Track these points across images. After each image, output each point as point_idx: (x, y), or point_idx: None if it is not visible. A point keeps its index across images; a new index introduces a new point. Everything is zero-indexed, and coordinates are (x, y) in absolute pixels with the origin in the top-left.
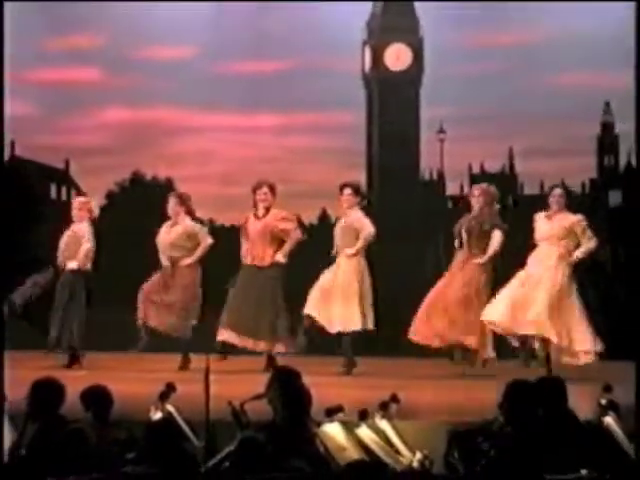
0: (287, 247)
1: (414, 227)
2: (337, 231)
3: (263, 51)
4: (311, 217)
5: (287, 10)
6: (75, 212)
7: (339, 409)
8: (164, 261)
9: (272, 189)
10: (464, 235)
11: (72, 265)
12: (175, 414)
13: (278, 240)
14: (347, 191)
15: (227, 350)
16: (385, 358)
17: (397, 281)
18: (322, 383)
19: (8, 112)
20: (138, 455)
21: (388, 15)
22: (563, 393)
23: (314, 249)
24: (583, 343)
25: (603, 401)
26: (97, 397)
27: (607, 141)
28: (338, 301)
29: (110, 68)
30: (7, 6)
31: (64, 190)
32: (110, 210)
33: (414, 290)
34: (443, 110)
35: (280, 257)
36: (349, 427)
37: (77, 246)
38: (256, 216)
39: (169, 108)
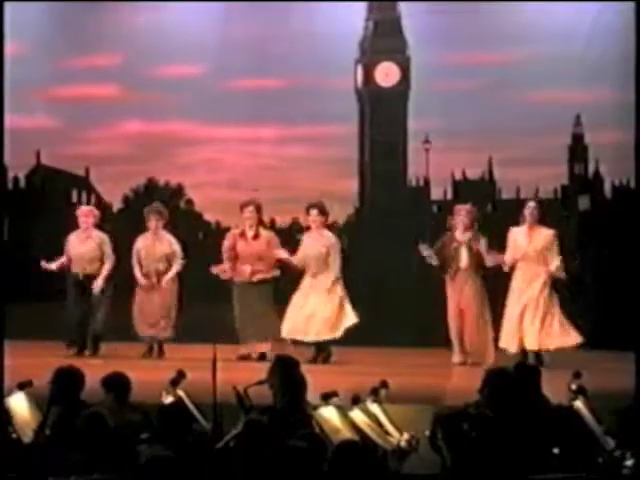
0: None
1: (402, 229)
2: (311, 253)
3: (265, 70)
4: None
5: (287, 32)
6: (83, 219)
7: (334, 394)
8: (152, 276)
9: (258, 208)
10: (465, 254)
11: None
12: (185, 398)
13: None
14: (314, 212)
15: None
16: (373, 348)
17: (386, 277)
18: (317, 370)
19: (34, 125)
20: (151, 436)
21: (378, 36)
22: (537, 379)
23: None
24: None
25: (573, 386)
26: (117, 381)
27: (577, 151)
28: (327, 313)
29: (126, 85)
30: (33, 31)
31: (84, 195)
32: (126, 213)
33: (402, 285)
34: (428, 123)
35: (273, 273)
36: (343, 410)
37: (96, 254)
38: (244, 236)
39: (180, 121)
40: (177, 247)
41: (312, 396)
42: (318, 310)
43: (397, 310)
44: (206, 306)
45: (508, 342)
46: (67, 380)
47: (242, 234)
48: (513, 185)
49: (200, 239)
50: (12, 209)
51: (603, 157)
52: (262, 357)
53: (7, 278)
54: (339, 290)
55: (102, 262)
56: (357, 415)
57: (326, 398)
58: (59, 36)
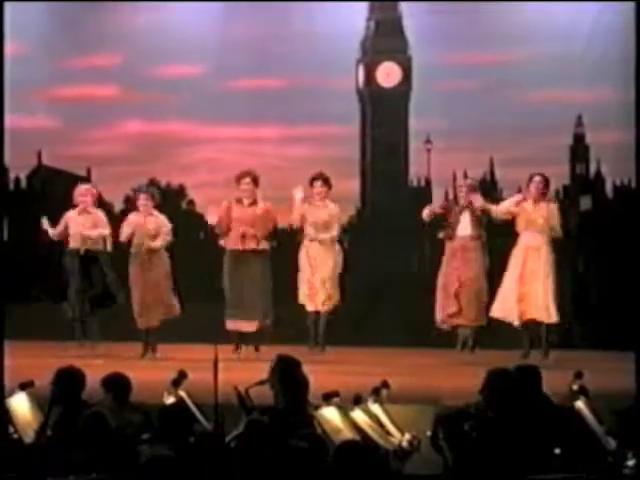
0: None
1: (403, 228)
2: (314, 220)
3: (266, 69)
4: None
5: (288, 32)
6: (81, 199)
7: (335, 394)
8: (144, 251)
9: (255, 180)
10: (466, 219)
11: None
12: (186, 399)
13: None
14: (318, 183)
15: (239, 340)
16: (374, 348)
17: (387, 277)
18: (317, 370)
19: (35, 126)
20: (152, 436)
21: (379, 36)
22: (538, 379)
23: None
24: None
25: (574, 387)
26: (117, 381)
27: (579, 151)
28: (324, 282)
29: (127, 85)
30: (33, 32)
31: None
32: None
33: (403, 285)
34: (430, 123)
35: (268, 244)
36: (344, 410)
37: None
38: (241, 202)
39: (181, 121)
40: (168, 225)
41: (313, 396)
42: (323, 273)
43: (398, 310)
44: (207, 306)
45: (511, 312)
46: (68, 380)
47: (239, 201)
48: (514, 185)
49: (201, 239)
50: (13, 209)
51: (605, 157)
52: (256, 349)
53: (7, 278)
54: (337, 256)
55: (103, 239)
56: (358, 415)
57: (327, 398)
58: (59, 36)
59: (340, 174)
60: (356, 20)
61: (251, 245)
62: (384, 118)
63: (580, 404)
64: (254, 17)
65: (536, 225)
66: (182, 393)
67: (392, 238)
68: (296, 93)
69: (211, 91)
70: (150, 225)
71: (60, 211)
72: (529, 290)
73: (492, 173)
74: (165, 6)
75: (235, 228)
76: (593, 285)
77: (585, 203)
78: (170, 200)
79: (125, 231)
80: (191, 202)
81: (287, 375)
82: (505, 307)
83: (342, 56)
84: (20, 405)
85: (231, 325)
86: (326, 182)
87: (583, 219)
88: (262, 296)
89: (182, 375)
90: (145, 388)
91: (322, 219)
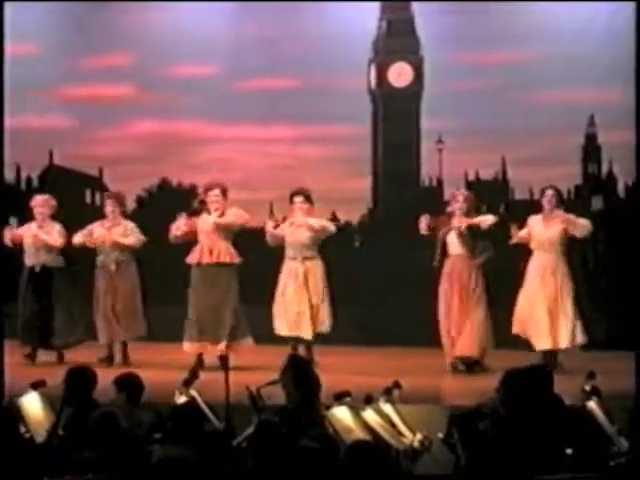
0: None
1: (415, 228)
2: (300, 239)
3: (278, 69)
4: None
5: (300, 33)
6: (39, 210)
7: (347, 394)
8: (111, 264)
9: (224, 192)
10: (455, 240)
11: (55, 263)
12: (198, 398)
13: (231, 238)
14: (299, 199)
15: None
16: (386, 347)
17: (399, 276)
18: (328, 370)
19: (47, 125)
20: (164, 436)
21: (391, 36)
22: (550, 379)
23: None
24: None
25: (587, 387)
26: (130, 381)
27: (591, 151)
28: (308, 306)
29: (140, 85)
30: (46, 32)
31: (98, 195)
32: (139, 213)
33: (415, 284)
34: (442, 122)
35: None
36: (356, 410)
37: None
38: (207, 215)
39: (193, 121)
40: (136, 233)
41: (324, 396)
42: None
43: (410, 310)
44: None
45: (540, 341)
46: (79, 380)
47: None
48: (526, 185)
49: None
50: (25, 209)
51: (616, 157)
52: (222, 359)
53: (7, 278)
54: (322, 273)
55: (58, 253)
56: (370, 415)
57: (339, 398)
58: (72, 36)
59: (352, 174)
60: (368, 20)
61: (215, 258)
62: (396, 118)
63: (592, 404)
64: (266, 17)
65: (548, 245)
66: (194, 393)
67: (404, 237)
68: (308, 93)
69: (223, 91)
70: (115, 236)
71: (71, 211)
72: (552, 317)
73: (504, 173)
74: (177, 6)
75: (200, 242)
76: (604, 285)
77: (597, 203)
78: (181, 200)
79: (78, 240)
80: (202, 202)
81: (299, 375)
82: (536, 337)
83: (354, 56)
84: (32, 405)
85: (197, 348)
86: (308, 198)
87: (594, 219)
88: (231, 312)
89: (194, 375)
90: (156, 388)
91: (304, 240)
